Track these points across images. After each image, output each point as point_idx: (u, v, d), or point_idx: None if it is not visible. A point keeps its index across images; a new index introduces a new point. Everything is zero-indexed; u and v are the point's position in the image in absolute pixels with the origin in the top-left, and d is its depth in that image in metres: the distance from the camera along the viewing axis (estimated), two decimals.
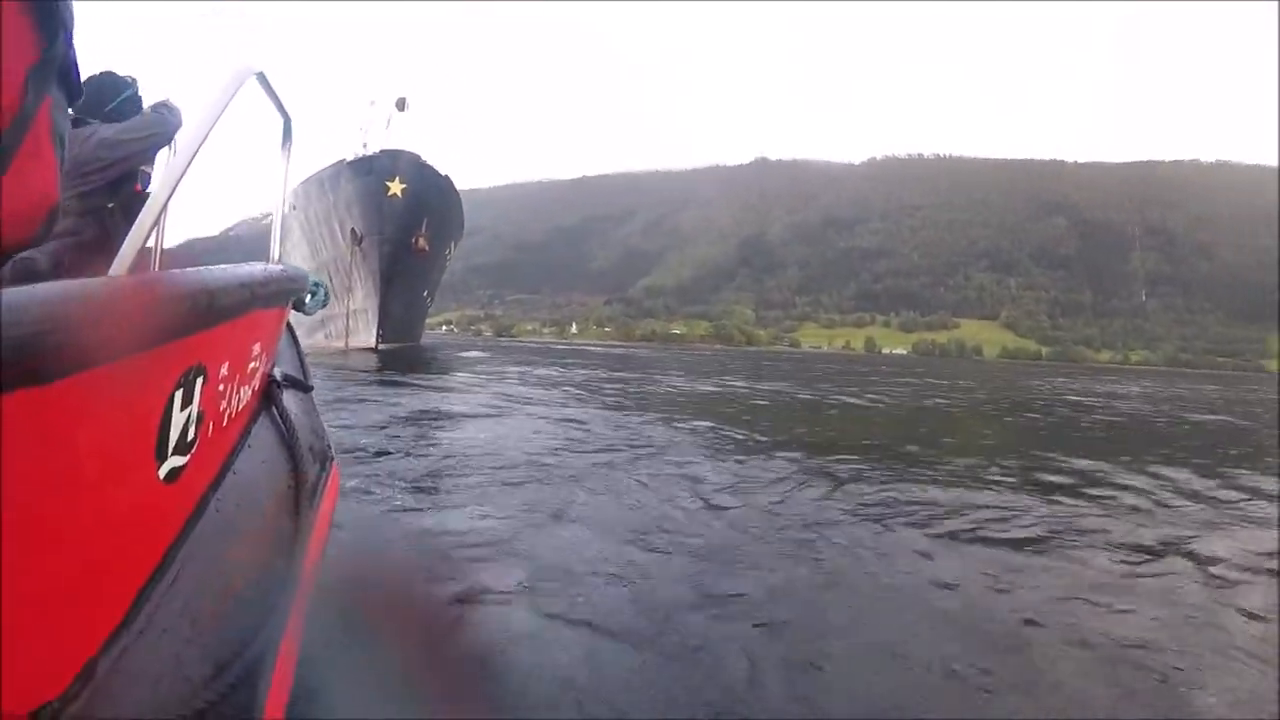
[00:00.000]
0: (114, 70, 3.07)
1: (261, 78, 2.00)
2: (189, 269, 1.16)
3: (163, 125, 2.97)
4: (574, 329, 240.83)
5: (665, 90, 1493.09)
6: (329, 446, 2.46)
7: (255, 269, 1.48)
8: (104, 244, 2.78)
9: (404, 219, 29.73)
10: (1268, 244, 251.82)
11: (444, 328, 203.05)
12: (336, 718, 1.83)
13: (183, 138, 2.08)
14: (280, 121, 2.37)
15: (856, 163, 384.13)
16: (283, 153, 2.61)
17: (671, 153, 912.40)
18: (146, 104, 3.10)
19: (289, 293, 1.86)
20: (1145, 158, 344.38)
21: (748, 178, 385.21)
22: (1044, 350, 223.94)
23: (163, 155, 3.06)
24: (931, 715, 2.40)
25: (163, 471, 1.06)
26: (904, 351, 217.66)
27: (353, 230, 29.62)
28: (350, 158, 31.53)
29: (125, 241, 1.32)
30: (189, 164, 1.47)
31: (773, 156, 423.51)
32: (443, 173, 32.36)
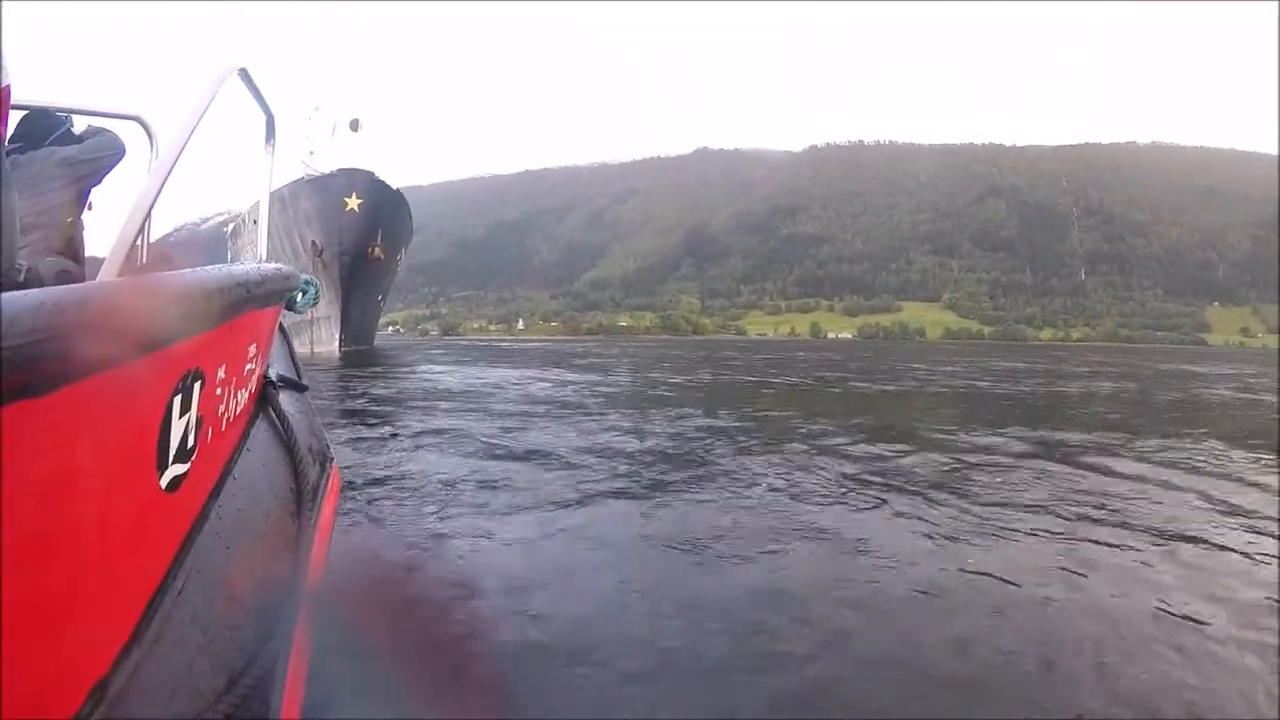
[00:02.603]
0: (47, 108, 3.17)
1: (244, 74, 1.96)
2: (183, 270, 1.15)
3: (114, 147, 3.16)
4: (521, 325, 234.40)
5: (605, 82, 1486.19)
6: (327, 446, 2.42)
7: (249, 268, 1.45)
8: (73, 255, 2.91)
9: (360, 231, 32.54)
10: (1205, 222, 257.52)
11: (390, 329, 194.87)
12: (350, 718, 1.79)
13: (166, 137, 2.03)
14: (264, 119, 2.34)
15: (797, 151, 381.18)
16: (266, 150, 2.57)
17: (612, 145, 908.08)
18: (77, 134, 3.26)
19: (282, 291, 1.80)
20: (1083, 140, 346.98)
21: (689, 168, 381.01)
22: (986, 330, 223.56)
23: (145, 158, 3.17)
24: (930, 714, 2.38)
25: (164, 481, 1.04)
26: (849, 335, 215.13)
27: (314, 242, 31.97)
28: (303, 169, 35.65)
29: (113, 243, 1.28)
30: (175, 162, 1.45)
31: (714, 146, 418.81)
32: (394, 187, 35.29)
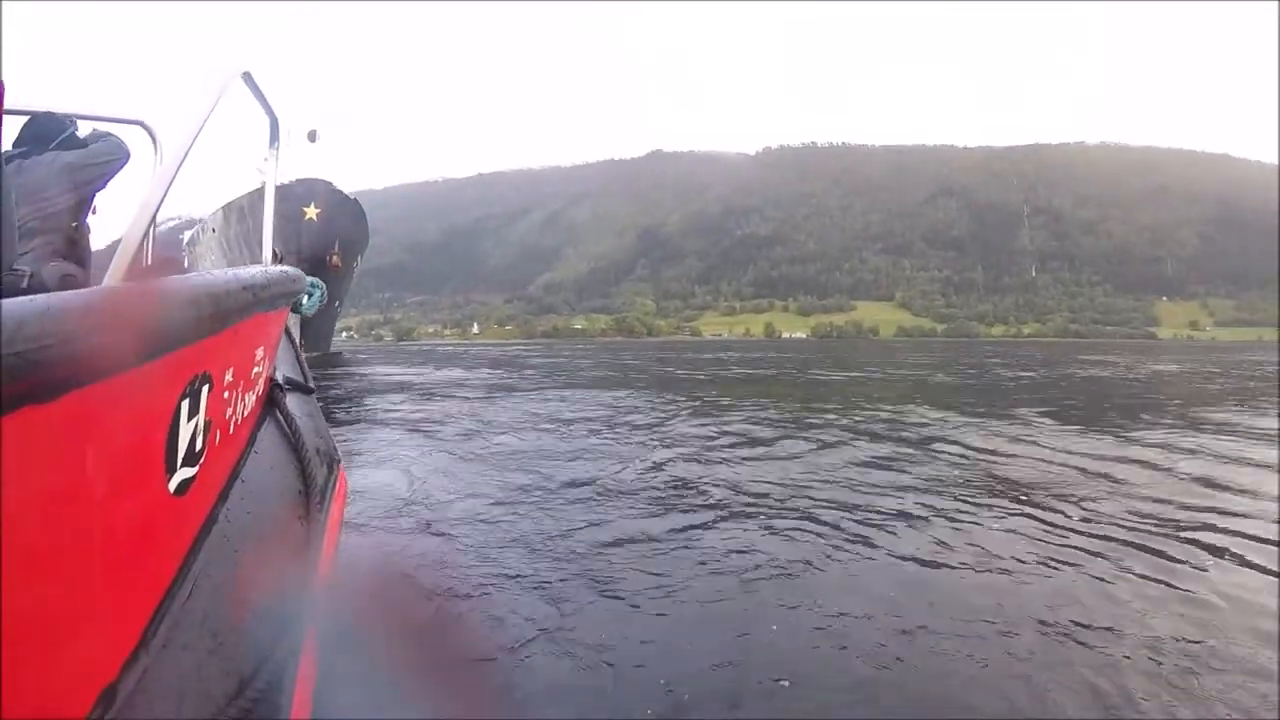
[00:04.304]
0: (52, 111, 3.17)
1: (248, 77, 1.95)
2: (190, 273, 1.13)
3: (118, 152, 3.15)
4: (475, 329, 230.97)
5: (558, 85, 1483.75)
6: (334, 448, 2.41)
7: (256, 271, 1.45)
8: (77, 260, 2.93)
9: (319, 240, 32.43)
10: (1153, 219, 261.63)
11: (344, 334, 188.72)
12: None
13: (170, 141, 2.01)
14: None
15: (751, 152, 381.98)
16: (270, 152, 2.57)
17: (566, 148, 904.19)
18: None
19: (289, 294, 1.81)
20: (1033, 141, 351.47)
21: (643, 170, 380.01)
22: (939, 328, 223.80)
23: (150, 161, 3.18)
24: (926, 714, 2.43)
25: (173, 484, 1.04)
26: (803, 335, 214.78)
27: (274, 251, 26.23)
28: (260, 178, 33.01)
29: (119, 247, 1.29)
30: (180, 166, 1.45)
31: (668, 149, 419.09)
32: (350, 195, 35.48)
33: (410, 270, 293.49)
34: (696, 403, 12.69)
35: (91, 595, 0.82)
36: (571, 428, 9.22)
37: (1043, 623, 3.11)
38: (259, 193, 32.70)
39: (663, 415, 10.64)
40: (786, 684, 2.63)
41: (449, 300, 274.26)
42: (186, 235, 45.14)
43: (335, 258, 34.19)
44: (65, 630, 0.77)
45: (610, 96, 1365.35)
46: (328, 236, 33.36)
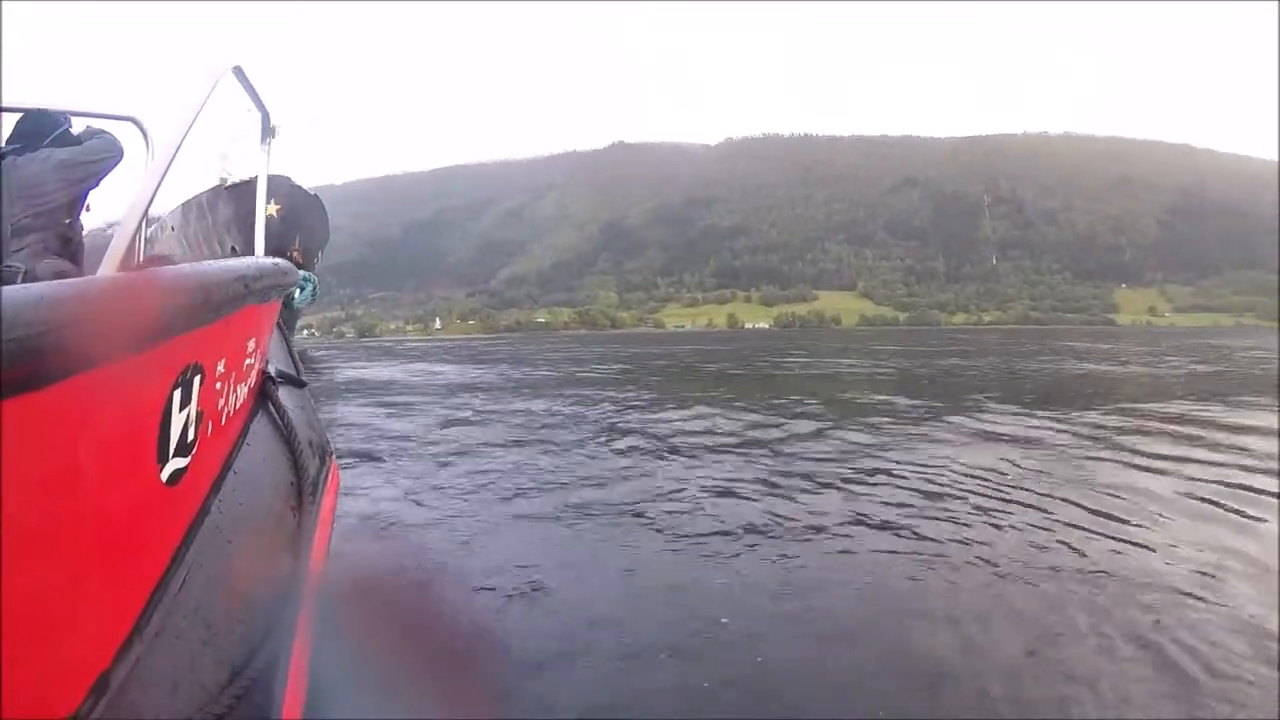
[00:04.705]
0: (46, 108, 3.17)
1: (239, 72, 1.94)
2: (183, 264, 1.14)
3: (111, 149, 3.18)
4: (438, 324, 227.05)
5: (520, 77, 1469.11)
6: (327, 441, 2.41)
7: (248, 262, 1.44)
8: (70, 257, 2.98)
9: (280, 237, 29.17)
10: (1113, 208, 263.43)
11: (305, 332, 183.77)
12: (353, 718, 1.82)
13: (162, 137, 2.05)
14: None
15: (713, 144, 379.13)
16: (262, 148, 2.58)
17: (529, 140, 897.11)
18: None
19: (281, 287, 1.80)
20: (996, 131, 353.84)
21: (606, 162, 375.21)
22: (901, 316, 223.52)
23: (142, 158, 3.18)
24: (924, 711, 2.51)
25: (165, 474, 1.03)
26: (766, 325, 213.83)
27: (234, 248, 29.85)
28: (219, 175, 30.91)
29: (113, 239, 1.28)
30: (171, 161, 1.45)
31: (630, 140, 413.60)
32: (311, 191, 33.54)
33: (372, 266, 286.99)
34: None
35: (85, 583, 0.81)
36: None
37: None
38: (219, 190, 30.68)
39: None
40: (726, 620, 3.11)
41: (411, 296, 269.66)
42: (147, 232, 41.43)
43: (296, 254, 31.12)
44: (60, 618, 0.76)
45: (572, 88, 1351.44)
46: (289, 233, 30.08)
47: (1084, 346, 36.29)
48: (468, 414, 10.73)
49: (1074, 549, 4.14)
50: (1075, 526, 4.61)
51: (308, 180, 34.52)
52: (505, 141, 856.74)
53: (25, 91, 2.96)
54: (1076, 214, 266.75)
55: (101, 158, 3.08)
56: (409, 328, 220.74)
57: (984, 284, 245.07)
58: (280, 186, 31.77)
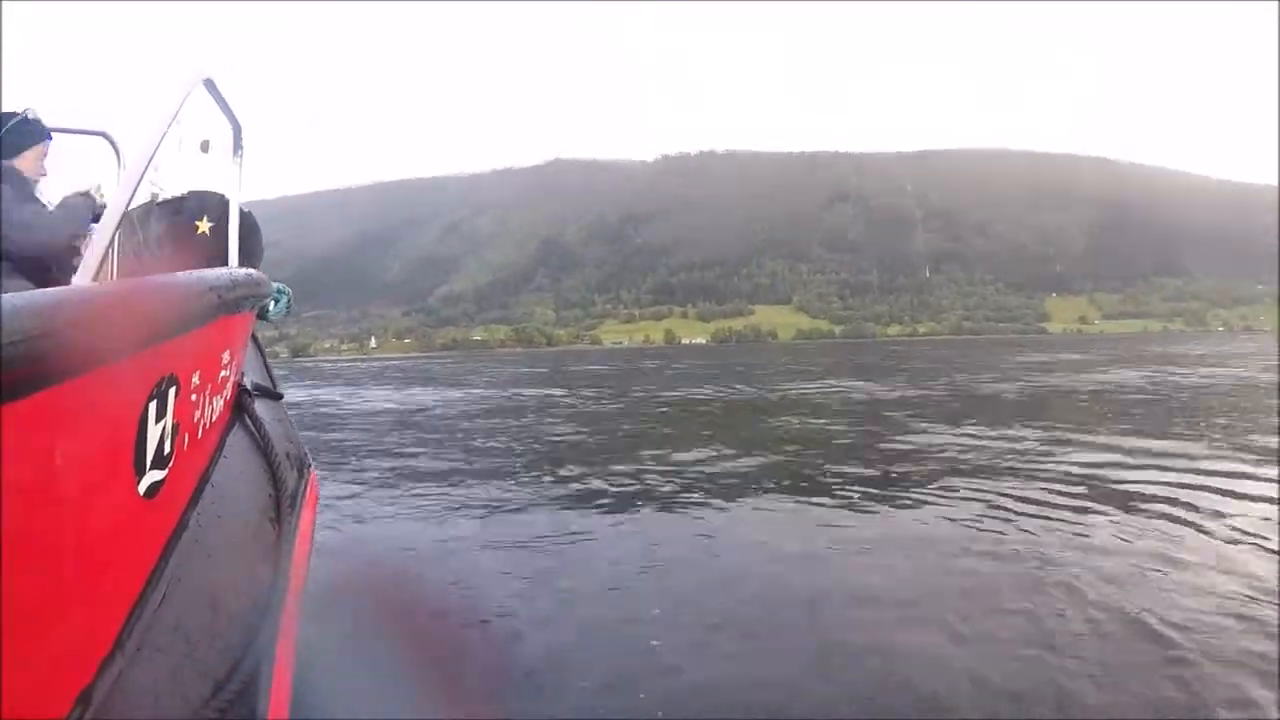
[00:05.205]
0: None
1: (210, 84, 1.93)
2: (155, 275, 1.15)
3: (74, 221, 2.96)
4: (373, 343, 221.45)
5: (456, 93, 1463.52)
6: (305, 452, 2.40)
7: (221, 273, 1.43)
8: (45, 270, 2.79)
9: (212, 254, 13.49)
10: (1043, 220, 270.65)
11: None
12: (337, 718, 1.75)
13: (133, 148, 1.97)
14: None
15: (650, 160, 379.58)
16: (234, 161, 2.60)
17: (466, 156, 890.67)
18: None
19: (255, 298, 1.79)
20: (927, 146, 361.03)
21: (543, 179, 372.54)
22: (837, 329, 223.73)
23: (114, 171, 3.13)
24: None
25: (143, 487, 1.02)
26: (703, 341, 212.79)
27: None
28: (150, 190, 16.65)
29: (88, 250, 1.25)
30: (144, 174, 1.44)
31: (568, 156, 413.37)
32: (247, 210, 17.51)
33: (306, 283, 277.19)
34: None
35: (67, 598, 0.81)
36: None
37: None
38: (150, 205, 27.27)
39: None
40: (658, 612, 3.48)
41: (346, 314, 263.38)
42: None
43: None
44: (42, 633, 0.76)
45: (511, 104, 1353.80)
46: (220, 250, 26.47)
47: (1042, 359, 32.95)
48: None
49: None
50: None
51: (240, 196, 30.05)
52: (443, 157, 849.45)
53: None
54: (1007, 226, 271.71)
55: (61, 230, 2.87)
56: (344, 347, 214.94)
57: (918, 295, 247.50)
58: (214, 202, 28.42)
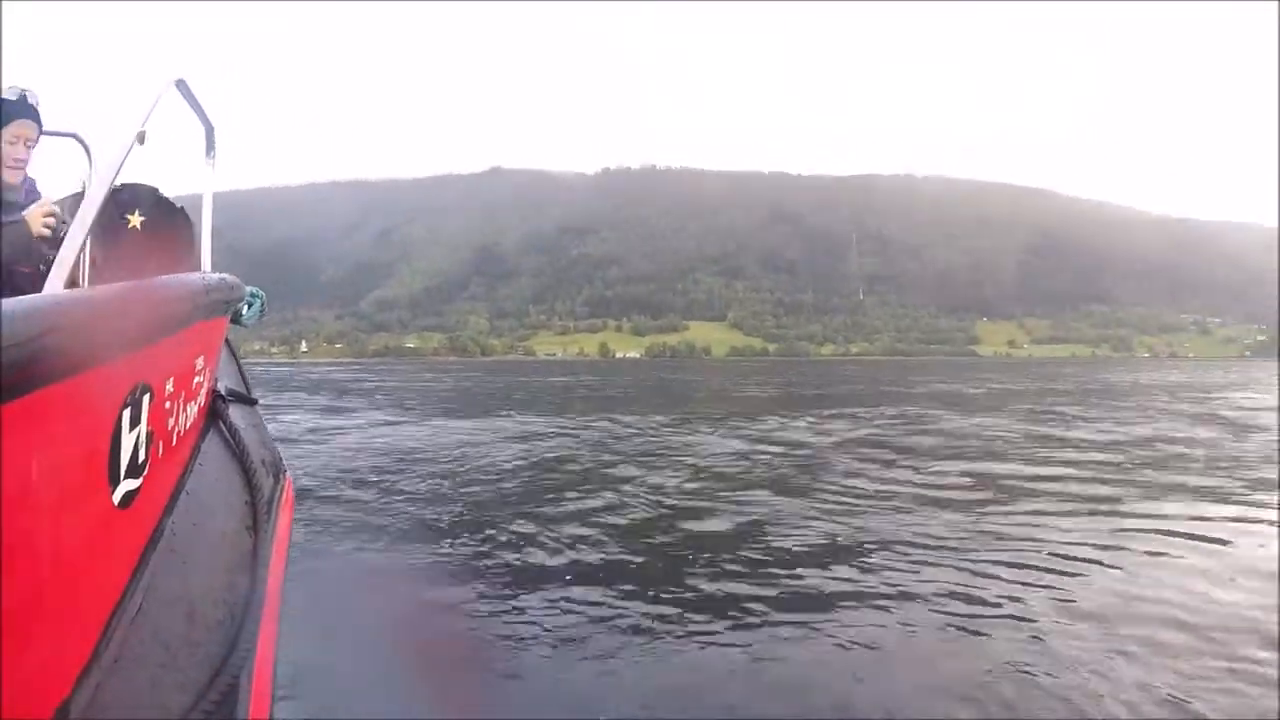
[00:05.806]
0: None
1: (182, 85, 1.92)
2: (128, 281, 1.12)
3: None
4: (304, 347, 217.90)
5: (395, 96, 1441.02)
6: (280, 459, 2.40)
7: (194, 278, 1.42)
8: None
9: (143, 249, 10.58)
10: (975, 246, 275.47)
11: None
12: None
13: (103, 152, 2.02)
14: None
15: (590, 173, 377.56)
16: (207, 162, 2.59)
17: (405, 160, 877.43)
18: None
19: (228, 302, 1.78)
20: (865, 171, 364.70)
21: (482, 187, 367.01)
22: (770, 347, 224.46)
23: (85, 168, 3.12)
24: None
25: (117, 496, 1.02)
26: (637, 355, 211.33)
27: (93, 259, 10.95)
28: (80, 183, 10.87)
29: (59, 255, 1.25)
30: (115, 177, 1.42)
31: (508, 165, 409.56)
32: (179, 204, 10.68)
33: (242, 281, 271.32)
34: None
35: (43, 610, 0.80)
36: None
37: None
38: (79, 196, 23.18)
39: None
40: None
41: (277, 315, 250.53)
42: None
43: None
44: (19, 646, 0.75)
45: (449, 111, 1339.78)
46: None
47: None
48: None
49: None
50: None
51: (173, 190, 25.20)
52: (382, 161, 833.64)
53: None
54: (940, 251, 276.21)
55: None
56: (274, 350, 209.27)
57: (851, 316, 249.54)
58: (145, 196, 25.29)
